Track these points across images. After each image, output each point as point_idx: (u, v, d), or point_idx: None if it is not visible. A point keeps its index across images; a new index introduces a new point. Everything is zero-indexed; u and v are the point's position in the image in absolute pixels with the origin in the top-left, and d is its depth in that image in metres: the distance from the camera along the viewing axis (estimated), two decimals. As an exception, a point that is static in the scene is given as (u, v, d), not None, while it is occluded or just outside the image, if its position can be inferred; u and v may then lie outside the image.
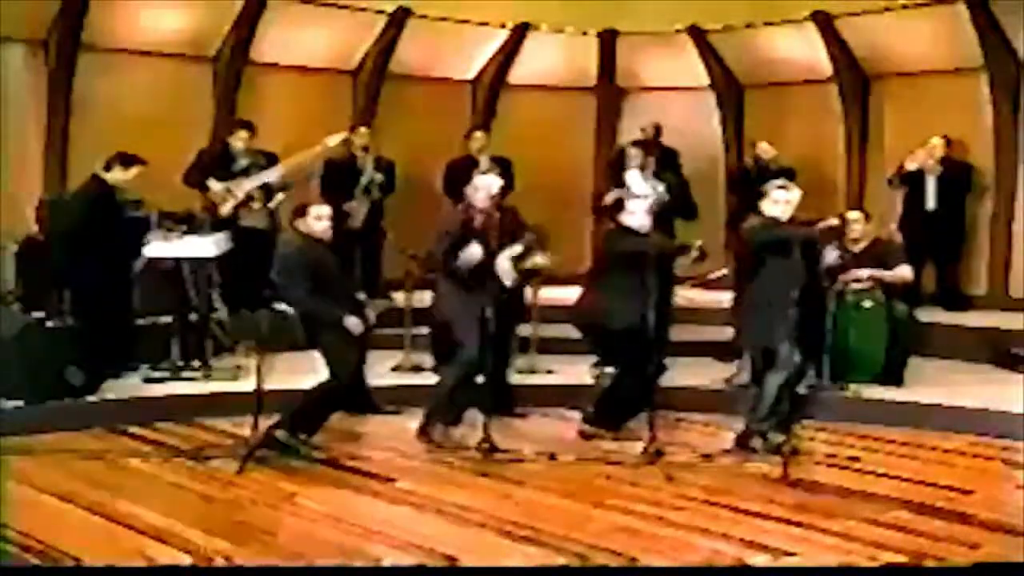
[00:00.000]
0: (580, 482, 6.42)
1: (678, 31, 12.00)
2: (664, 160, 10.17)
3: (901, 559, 5.16)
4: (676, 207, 9.21)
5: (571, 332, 7.74)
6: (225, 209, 9.32)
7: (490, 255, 7.19)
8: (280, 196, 9.37)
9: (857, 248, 8.52)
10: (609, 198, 8.58)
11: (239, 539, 5.33)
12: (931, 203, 10.42)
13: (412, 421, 7.41)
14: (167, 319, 8.43)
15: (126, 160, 8.15)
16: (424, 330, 8.45)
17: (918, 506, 5.96)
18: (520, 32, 12.06)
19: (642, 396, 7.02)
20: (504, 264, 7.30)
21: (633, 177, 9.34)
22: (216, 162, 9.53)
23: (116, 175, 8.13)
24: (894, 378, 8.34)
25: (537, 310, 8.71)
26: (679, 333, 8.59)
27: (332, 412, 7.05)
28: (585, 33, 12.28)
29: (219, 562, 5.03)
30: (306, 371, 7.14)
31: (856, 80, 11.38)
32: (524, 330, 8.42)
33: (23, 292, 8.40)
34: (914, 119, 10.82)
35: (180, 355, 8.31)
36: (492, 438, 6.84)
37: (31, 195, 9.28)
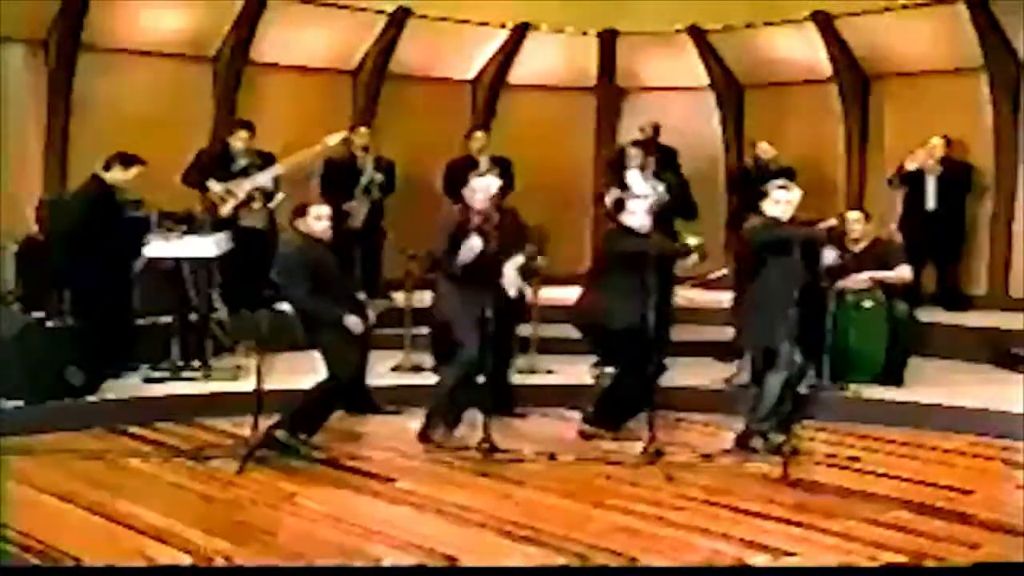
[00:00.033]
0: (580, 482, 6.42)
1: (678, 31, 12.00)
2: (663, 160, 10.18)
3: (901, 559, 5.16)
4: (676, 207, 9.21)
5: (571, 332, 7.74)
6: (226, 209, 9.32)
7: (490, 255, 7.19)
8: (280, 196, 9.38)
9: (857, 248, 8.52)
10: (609, 199, 8.59)
11: (239, 539, 5.32)
12: (931, 203, 10.42)
13: (412, 421, 7.42)
14: (167, 319, 8.43)
15: (126, 160, 8.16)
16: (424, 330, 8.45)
17: (918, 506, 5.96)
18: (520, 32, 12.06)
19: (642, 396, 7.02)
20: (510, 274, 7.32)
21: (633, 177, 9.35)
22: (215, 162, 9.53)
23: (116, 175, 8.13)
24: (894, 378, 8.34)
25: (537, 310, 8.71)
26: (679, 333, 8.60)
27: (332, 412, 7.06)
28: (585, 33, 12.28)
29: (219, 562, 5.03)
30: (306, 371, 7.14)
31: (856, 80, 11.38)
32: (524, 330, 8.42)
33: (23, 292, 8.40)
34: (914, 119, 10.82)
35: (180, 355, 8.31)
36: (492, 438, 6.84)
37: (31, 195, 9.27)
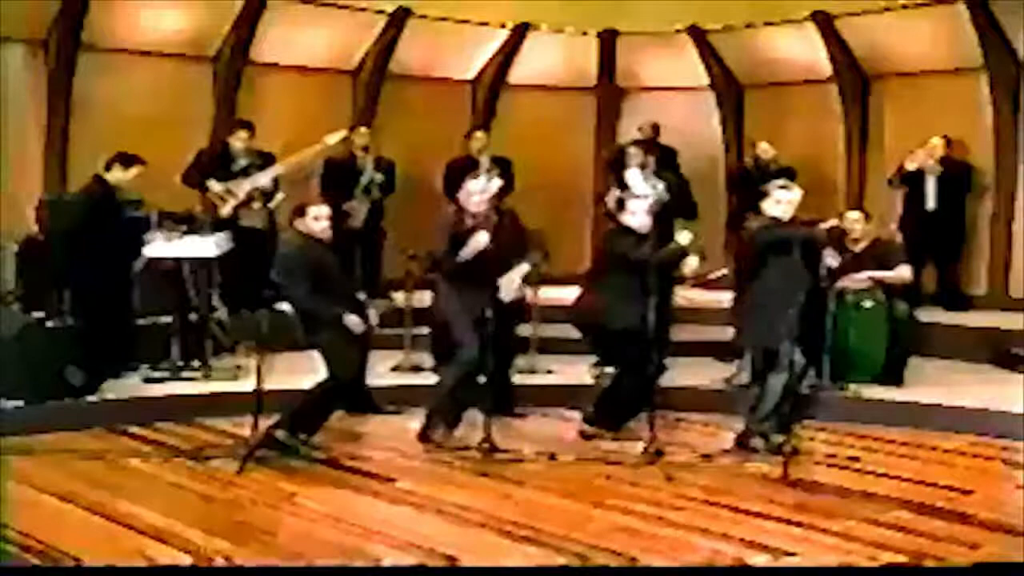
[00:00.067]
0: (580, 482, 6.42)
1: (678, 31, 12.00)
2: (663, 159, 10.18)
3: (901, 559, 5.15)
4: (676, 207, 9.20)
5: (571, 332, 7.73)
6: (225, 209, 9.32)
7: (490, 255, 7.19)
8: (279, 196, 9.39)
9: (857, 248, 8.52)
10: (610, 199, 8.59)
11: (239, 539, 5.32)
12: (931, 203, 10.42)
13: (412, 421, 7.42)
14: (167, 319, 8.43)
15: (126, 160, 8.17)
16: (424, 330, 8.45)
17: (918, 506, 5.96)
18: (520, 32, 12.06)
19: (642, 396, 7.02)
20: (515, 281, 7.32)
21: (633, 176, 9.35)
22: (215, 162, 9.53)
23: (116, 175, 8.14)
24: (894, 378, 8.34)
25: (537, 310, 8.71)
26: (679, 333, 8.61)
27: (332, 412, 7.06)
28: (585, 33, 12.29)
29: (219, 562, 5.03)
30: (306, 371, 7.14)
31: (856, 80, 11.38)
32: (524, 330, 8.42)
33: (23, 292, 8.40)
34: (914, 119, 10.82)
35: (180, 355, 8.31)
36: (492, 438, 6.84)
37: (31, 195, 9.27)
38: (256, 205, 9.42)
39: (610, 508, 5.92)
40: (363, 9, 11.18)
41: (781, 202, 7.08)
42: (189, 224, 8.62)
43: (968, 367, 9.04)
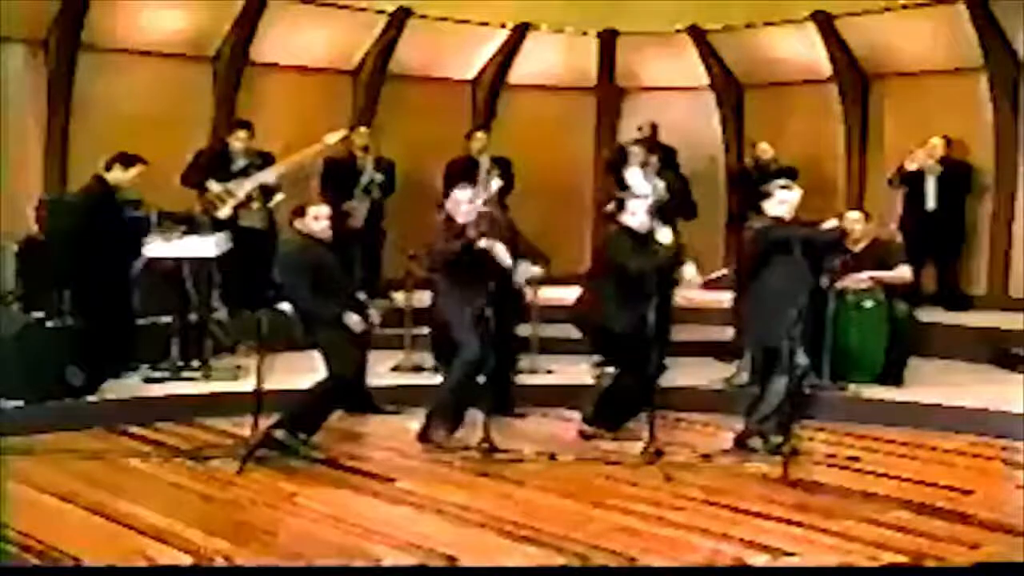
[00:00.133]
0: (580, 482, 6.42)
1: (678, 31, 12.00)
2: (663, 159, 10.18)
3: (901, 559, 5.15)
4: (676, 206, 9.20)
5: (571, 332, 7.74)
6: (225, 210, 9.32)
7: (487, 258, 7.20)
8: (279, 196, 9.38)
9: (857, 248, 8.52)
10: (611, 206, 8.56)
11: (239, 539, 5.32)
12: (931, 203, 10.42)
13: (412, 421, 7.42)
14: (167, 319, 8.43)
15: (126, 160, 8.17)
16: (424, 330, 8.45)
17: (918, 506, 5.96)
18: (520, 32, 12.06)
19: (642, 396, 7.01)
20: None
21: (634, 175, 9.34)
22: (215, 162, 9.53)
23: (116, 175, 8.14)
24: (894, 378, 8.33)
25: (537, 310, 8.71)
26: (679, 333, 8.60)
27: (332, 412, 7.06)
28: (585, 33, 12.29)
29: (219, 562, 5.03)
30: (306, 371, 7.14)
31: (856, 80, 11.38)
32: (524, 330, 8.42)
33: (23, 292, 8.39)
34: (914, 119, 10.82)
35: (180, 355, 8.32)
36: (492, 438, 6.84)
37: (31, 195, 9.27)
38: (255, 205, 9.42)
39: (610, 508, 5.92)
40: (363, 9, 11.18)
41: (784, 202, 7.08)
42: (189, 224, 8.62)
43: (968, 367, 9.04)
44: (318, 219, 7.02)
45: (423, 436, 7.16)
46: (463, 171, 10.05)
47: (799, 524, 5.63)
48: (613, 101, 12.65)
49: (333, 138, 9.79)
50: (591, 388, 8.03)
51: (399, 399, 7.98)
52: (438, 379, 7.66)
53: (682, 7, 11.56)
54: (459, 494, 6.12)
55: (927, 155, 10.33)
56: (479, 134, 10.90)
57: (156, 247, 8.24)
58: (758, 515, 5.78)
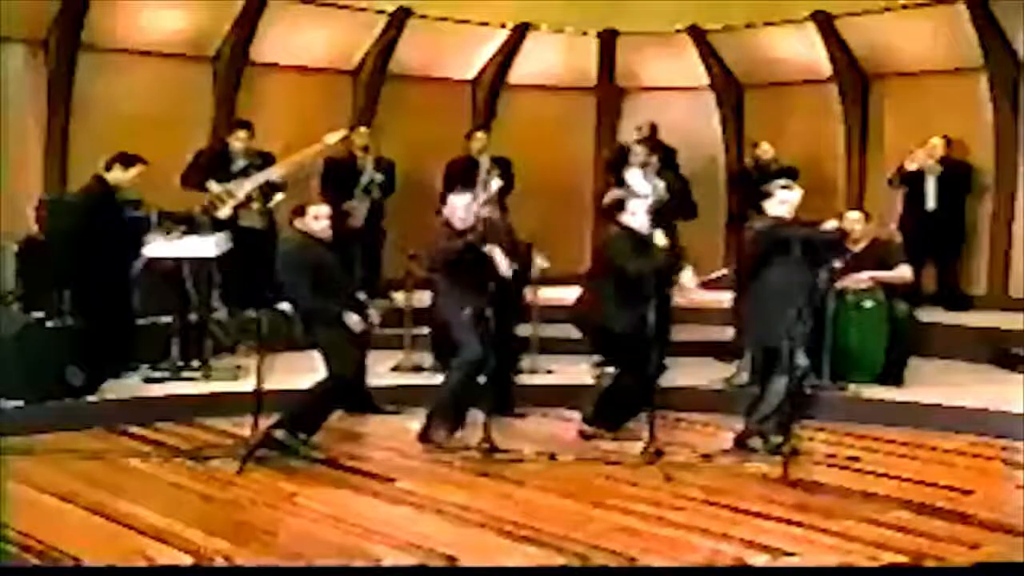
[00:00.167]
0: (580, 482, 6.42)
1: (678, 31, 12.00)
2: (663, 159, 10.18)
3: (901, 559, 5.15)
4: (676, 206, 9.20)
5: (571, 332, 7.74)
6: (225, 210, 9.32)
7: (482, 260, 7.20)
8: (279, 196, 9.38)
9: (857, 248, 8.51)
10: (608, 199, 8.58)
11: (239, 539, 5.32)
12: (931, 203, 10.42)
13: (412, 421, 7.42)
14: (167, 319, 8.43)
15: (126, 160, 8.17)
16: (424, 330, 8.44)
17: (918, 506, 5.96)
18: (520, 32, 12.06)
19: (642, 396, 7.01)
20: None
21: (634, 175, 9.34)
22: (215, 162, 9.52)
23: (116, 175, 8.14)
24: (894, 378, 8.33)
25: (537, 310, 8.71)
26: (679, 333, 8.59)
27: (332, 412, 7.06)
28: (585, 33, 12.29)
29: (219, 562, 5.03)
30: (306, 371, 7.14)
31: (856, 80, 11.38)
32: (524, 330, 8.42)
33: (23, 292, 8.39)
34: (914, 119, 10.82)
35: (180, 355, 8.32)
36: (492, 438, 6.84)
37: (31, 195, 9.27)
38: (255, 205, 9.41)
39: (610, 508, 5.92)
40: (363, 9, 11.18)
41: (784, 202, 7.08)
42: (189, 224, 8.62)
43: (968, 367, 9.04)
44: (318, 219, 7.02)
45: (423, 436, 7.16)
46: (463, 171, 10.06)
47: (799, 524, 5.63)
48: (613, 101, 12.64)
49: (333, 138, 9.78)
50: (591, 388, 8.03)
51: (399, 399, 7.98)
52: (438, 379, 7.65)
53: (682, 7, 11.56)
54: (459, 494, 6.12)
55: (927, 155, 10.33)
56: (479, 134, 10.90)
57: (156, 247, 8.24)
58: (758, 515, 5.79)
